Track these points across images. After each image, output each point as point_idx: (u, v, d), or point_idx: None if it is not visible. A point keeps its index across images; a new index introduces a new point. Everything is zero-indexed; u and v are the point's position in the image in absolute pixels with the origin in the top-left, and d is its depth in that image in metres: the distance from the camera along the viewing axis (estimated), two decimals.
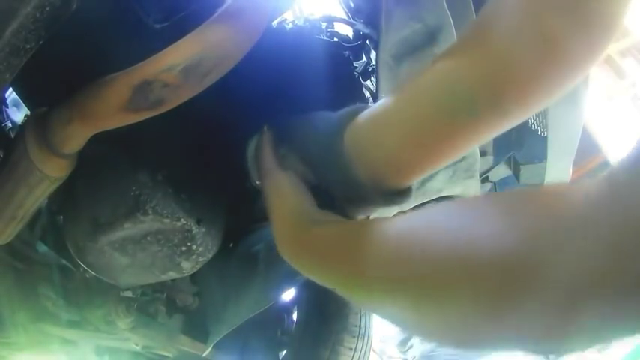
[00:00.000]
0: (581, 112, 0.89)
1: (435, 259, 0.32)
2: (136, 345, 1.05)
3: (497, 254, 0.28)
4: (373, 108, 0.45)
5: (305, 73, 0.73)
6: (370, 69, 0.86)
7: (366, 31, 0.84)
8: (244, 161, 0.58)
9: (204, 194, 0.72)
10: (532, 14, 0.38)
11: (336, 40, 0.87)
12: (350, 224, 0.42)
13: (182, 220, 0.67)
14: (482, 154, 0.86)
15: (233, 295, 0.88)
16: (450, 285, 0.30)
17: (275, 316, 1.33)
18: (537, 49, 0.37)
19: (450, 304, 0.31)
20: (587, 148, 3.00)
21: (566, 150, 0.93)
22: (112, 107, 0.49)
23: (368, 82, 0.87)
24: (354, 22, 0.89)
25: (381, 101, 0.44)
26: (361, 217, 0.49)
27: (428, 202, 0.76)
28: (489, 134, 0.41)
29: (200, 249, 0.71)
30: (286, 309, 1.35)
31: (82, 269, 0.84)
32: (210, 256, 0.74)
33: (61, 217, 0.80)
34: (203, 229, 0.70)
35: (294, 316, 1.36)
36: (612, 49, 3.37)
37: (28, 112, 0.74)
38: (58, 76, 0.55)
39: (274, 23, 0.80)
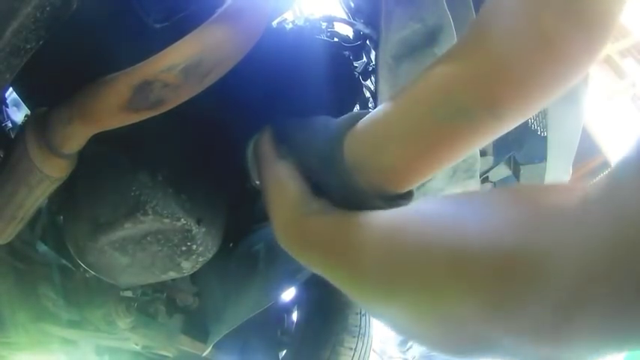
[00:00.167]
0: (581, 112, 0.89)
1: (430, 253, 0.31)
2: (136, 345, 1.06)
3: (497, 249, 0.28)
4: (372, 114, 0.45)
5: (305, 73, 0.73)
6: (370, 69, 0.86)
7: (366, 31, 0.84)
8: (244, 161, 0.58)
9: (204, 194, 0.72)
10: (528, 14, 0.38)
11: (336, 40, 0.87)
12: (347, 215, 0.41)
13: (182, 220, 0.67)
14: (482, 154, 0.86)
15: (233, 295, 0.89)
16: (444, 280, 0.30)
17: (275, 316, 1.33)
18: (534, 50, 0.37)
19: (444, 300, 0.31)
20: (587, 148, 3.01)
21: (566, 150, 0.93)
22: (112, 107, 0.49)
23: (368, 82, 0.88)
24: (354, 22, 0.89)
25: (380, 107, 0.44)
26: None
27: None
28: (488, 137, 0.41)
29: (200, 249, 0.71)
30: (286, 309, 1.36)
31: (82, 269, 0.85)
32: (210, 256, 0.74)
33: (61, 217, 0.80)
34: (203, 229, 0.70)
35: (294, 316, 1.36)
36: (612, 49, 3.37)
37: (28, 112, 0.74)
38: (58, 76, 0.55)
39: (274, 23, 0.80)
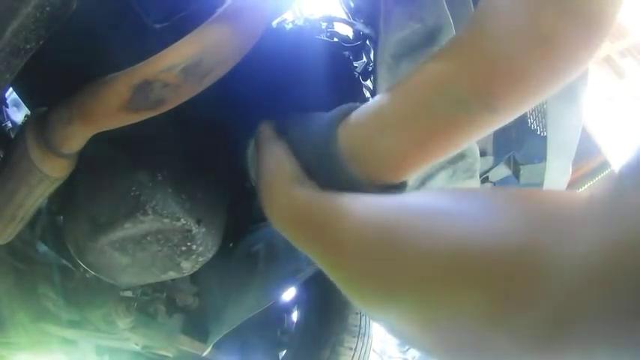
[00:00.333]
0: (580, 112, 0.89)
1: (421, 247, 0.31)
2: (136, 345, 1.06)
3: (500, 249, 0.27)
4: (368, 104, 0.45)
5: (305, 73, 0.73)
6: (370, 69, 0.86)
7: (366, 31, 0.84)
8: (244, 161, 0.58)
9: (204, 194, 0.72)
10: (525, 9, 0.38)
11: (336, 40, 0.87)
12: (339, 197, 0.41)
13: (182, 220, 0.67)
14: (482, 154, 0.86)
15: (233, 294, 0.89)
16: (440, 277, 0.30)
17: (275, 316, 1.33)
18: (531, 44, 0.37)
19: (438, 301, 0.30)
20: (587, 148, 3.00)
21: (565, 150, 0.93)
22: (112, 107, 0.49)
23: (368, 82, 0.88)
24: (354, 22, 0.89)
25: (376, 97, 0.44)
26: None
27: None
28: (484, 130, 0.41)
29: (200, 249, 0.71)
30: (286, 309, 1.36)
31: (82, 269, 0.85)
32: (210, 256, 0.74)
33: (61, 217, 0.80)
34: (203, 229, 0.70)
35: (294, 316, 1.36)
36: (612, 49, 3.37)
37: (28, 112, 0.74)
38: (58, 76, 0.55)
39: (274, 23, 0.80)
